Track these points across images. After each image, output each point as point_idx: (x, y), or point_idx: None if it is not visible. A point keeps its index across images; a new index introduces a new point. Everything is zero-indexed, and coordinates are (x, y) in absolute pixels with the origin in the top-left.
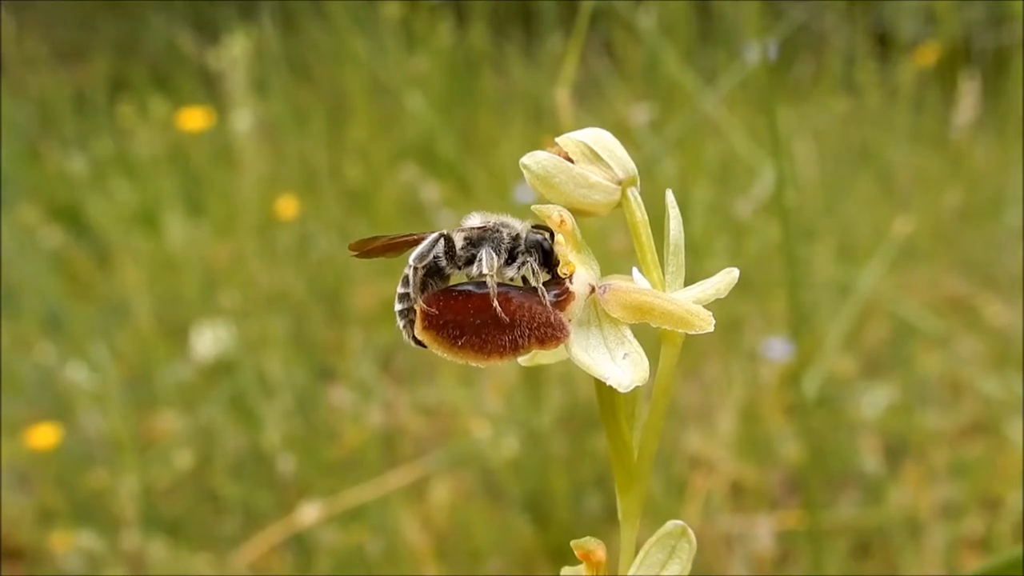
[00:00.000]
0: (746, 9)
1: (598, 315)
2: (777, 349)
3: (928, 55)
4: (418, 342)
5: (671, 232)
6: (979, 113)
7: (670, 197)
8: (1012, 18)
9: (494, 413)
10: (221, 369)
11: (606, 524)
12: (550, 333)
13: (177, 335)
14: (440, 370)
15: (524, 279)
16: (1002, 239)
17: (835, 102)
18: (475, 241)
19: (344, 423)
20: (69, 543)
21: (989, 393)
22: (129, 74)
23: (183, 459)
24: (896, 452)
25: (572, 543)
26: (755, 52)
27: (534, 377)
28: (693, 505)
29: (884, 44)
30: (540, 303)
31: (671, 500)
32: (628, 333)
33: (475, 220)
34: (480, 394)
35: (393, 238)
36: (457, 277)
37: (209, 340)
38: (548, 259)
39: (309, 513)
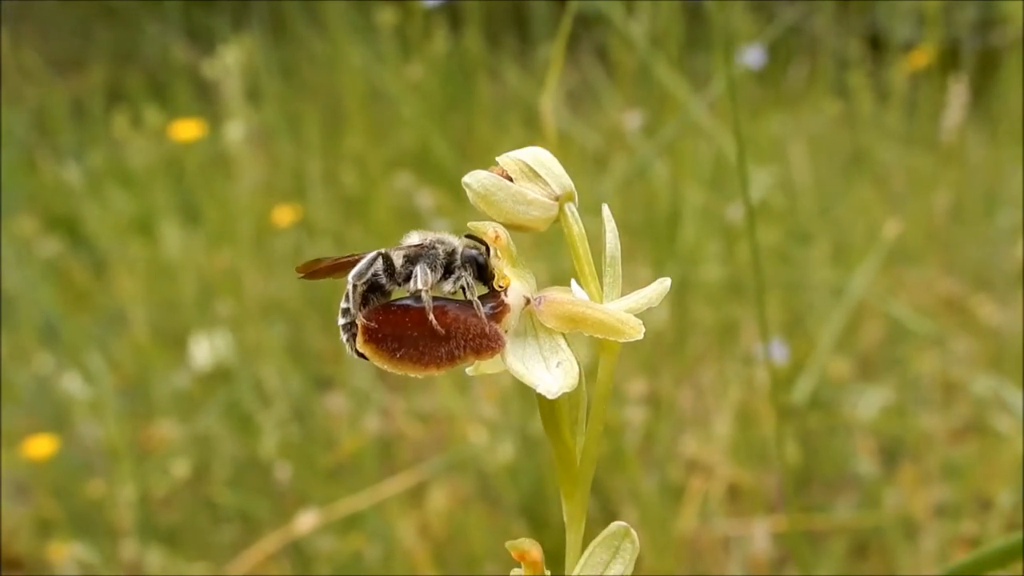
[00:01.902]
0: (738, 14)
1: (534, 326)
2: (772, 352)
3: (920, 57)
4: (360, 354)
5: (608, 244)
6: (969, 115)
7: (606, 211)
8: (1001, 20)
9: (490, 419)
10: (218, 378)
11: (601, 527)
12: (485, 344)
13: (174, 344)
14: (436, 378)
15: (461, 292)
16: (995, 240)
17: (828, 105)
18: (412, 258)
19: (341, 430)
20: (67, 552)
21: (981, 395)
22: (125, 84)
23: (180, 468)
24: (891, 453)
25: (507, 544)
26: (749, 56)
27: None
28: (690, 508)
29: (876, 47)
30: (475, 315)
31: (667, 504)
32: (562, 342)
33: (414, 238)
34: (476, 400)
35: (336, 259)
36: (398, 293)
37: (206, 349)
38: (483, 272)
39: (306, 521)
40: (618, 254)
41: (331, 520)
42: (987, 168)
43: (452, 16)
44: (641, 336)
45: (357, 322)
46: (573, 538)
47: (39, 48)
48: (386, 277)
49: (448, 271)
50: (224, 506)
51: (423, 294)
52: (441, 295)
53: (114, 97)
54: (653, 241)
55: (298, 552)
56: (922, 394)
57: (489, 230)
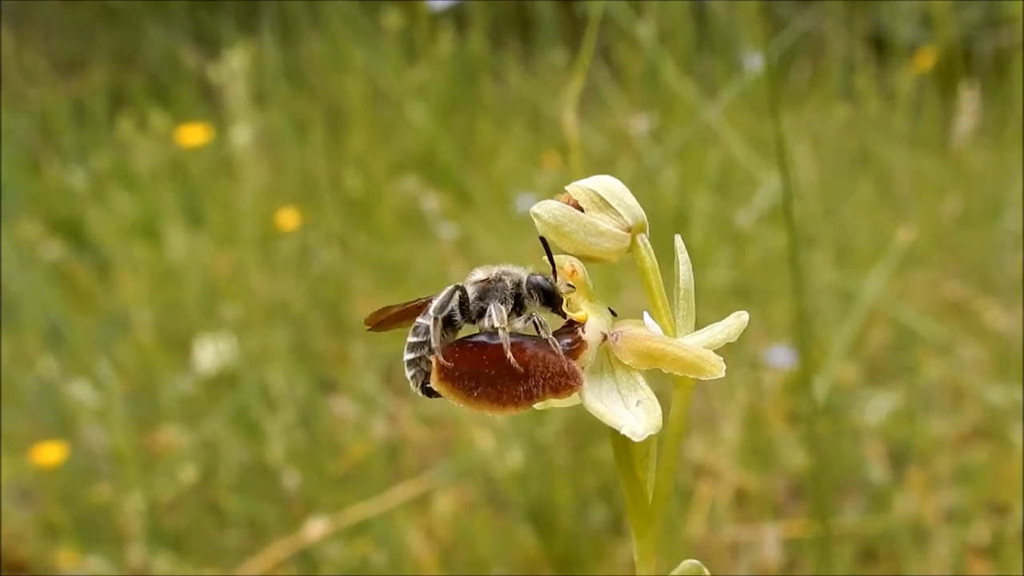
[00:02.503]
0: (744, 16)
1: (611, 362)
2: (779, 357)
3: (926, 59)
4: (427, 392)
5: (681, 277)
6: (979, 119)
7: (679, 242)
8: (1010, 20)
9: (498, 424)
10: (223, 382)
11: (610, 534)
12: (564, 382)
13: (179, 348)
14: None
15: (533, 328)
16: (1002, 244)
17: (834, 108)
18: (483, 294)
19: (347, 436)
20: (74, 559)
21: (992, 400)
22: (128, 86)
23: (187, 473)
24: (900, 459)
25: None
26: (755, 60)
27: None
28: (698, 514)
29: (881, 49)
30: (553, 352)
31: (676, 510)
32: (640, 380)
33: (479, 274)
34: None
35: (404, 305)
36: (466, 330)
37: (211, 353)
38: (551, 299)
39: (315, 528)
40: (692, 287)
41: (339, 527)
42: (993, 171)
43: (457, 19)
44: (723, 374)
45: (433, 360)
46: (644, 574)
47: (42, 50)
48: (459, 312)
49: (517, 302)
50: (231, 512)
51: (500, 332)
52: (514, 331)
53: (117, 100)
54: (660, 245)
55: (305, 558)
56: (931, 399)
57: (566, 264)
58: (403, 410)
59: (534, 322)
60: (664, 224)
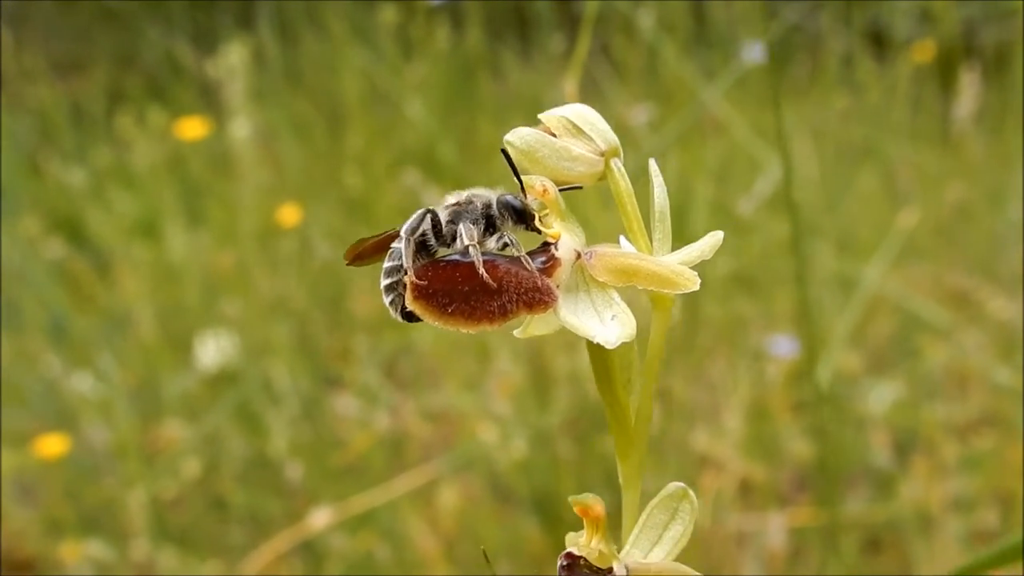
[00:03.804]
0: (740, 10)
1: (585, 280)
2: (782, 346)
3: (925, 52)
4: (406, 316)
5: (656, 199)
6: (979, 106)
7: (653, 166)
8: (1013, 13)
9: (501, 415)
10: (225, 378)
11: (615, 525)
12: (538, 298)
13: (180, 345)
14: (445, 374)
15: (506, 248)
16: (1003, 234)
17: (834, 99)
18: (455, 217)
19: (350, 429)
20: (78, 553)
21: (1001, 382)
22: (127, 85)
23: (190, 468)
24: (905, 447)
25: (570, 499)
26: (752, 51)
27: (541, 378)
28: (703, 504)
29: (879, 44)
30: (527, 269)
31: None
32: (615, 296)
33: (450, 199)
34: (486, 397)
35: (378, 237)
36: (442, 253)
37: (212, 349)
38: (522, 217)
39: (318, 519)
40: (667, 209)
41: (342, 519)
42: (994, 161)
43: (454, 14)
44: (697, 287)
45: (407, 280)
46: (630, 499)
47: (41, 50)
48: (433, 236)
49: (489, 223)
50: (235, 506)
51: (471, 249)
52: (486, 251)
53: (116, 99)
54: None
55: (309, 551)
56: (934, 387)
57: (536, 184)
58: (406, 404)
59: (506, 241)
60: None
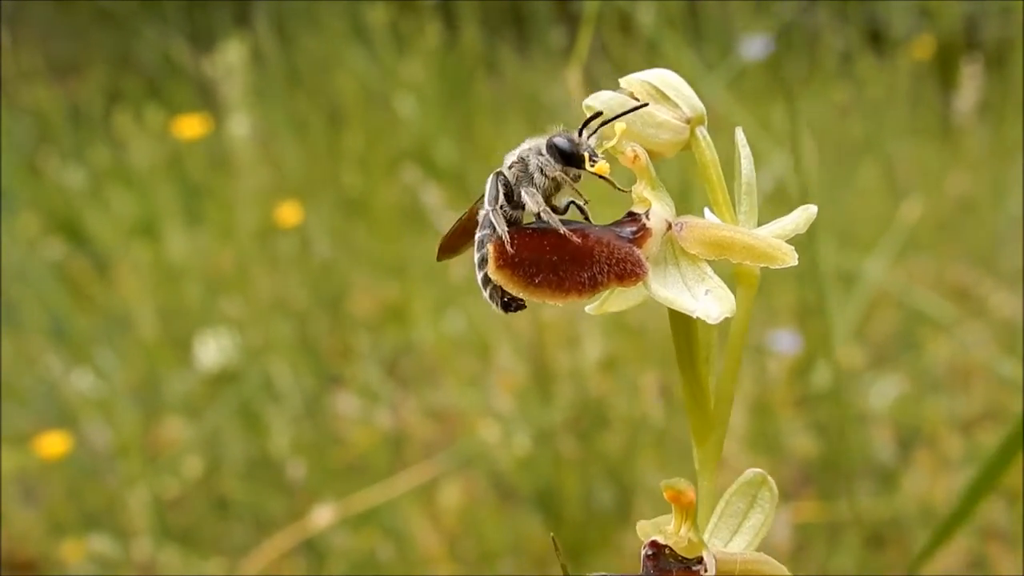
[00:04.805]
0: (737, 7)
1: (675, 252)
2: (785, 342)
3: (924, 48)
4: (506, 306)
5: (743, 171)
6: (980, 100)
7: (740, 136)
8: (1013, 9)
9: (503, 412)
10: (226, 377)
11: (618, 522)
12: (629, 269)
13: (181, 344)
14: (446, 372)
15: (570, 197)
16: (1004, 228)
17: (833, 94)
18: (519, 177)
19: (351, 428)
20: (80, 553)
21: (1003, 376)
22: (125, 85)
23: (192, 467)
24: (908, 442)
25: (662, 483)
26: (751, 47)
27: (543, 375)
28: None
29: (878, 40)
30: (619, 238)
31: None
32: (708, 269)
33: (511, 156)
34: (488, 395)
35: (460, 221)
36: (526, 220)
37: (213, 348)
38: (571, 159)
39: (320, 517)
40: (754, 181)
41: (344, 517)
42: (994, 155)
43: (446, 11)
44: (795, 261)
45: (491, 246)
46: (706, 485)
47: (38, 51)
48: (507, 203)
49: (548, 179)
50: (236, 504)
51: (544, 216)
52: (572, 221)
53: (114, 99)
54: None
55: (311, 549)
56: (937, 382)
57: (628, 150)
58: (408, 402)
59: (570, 199)
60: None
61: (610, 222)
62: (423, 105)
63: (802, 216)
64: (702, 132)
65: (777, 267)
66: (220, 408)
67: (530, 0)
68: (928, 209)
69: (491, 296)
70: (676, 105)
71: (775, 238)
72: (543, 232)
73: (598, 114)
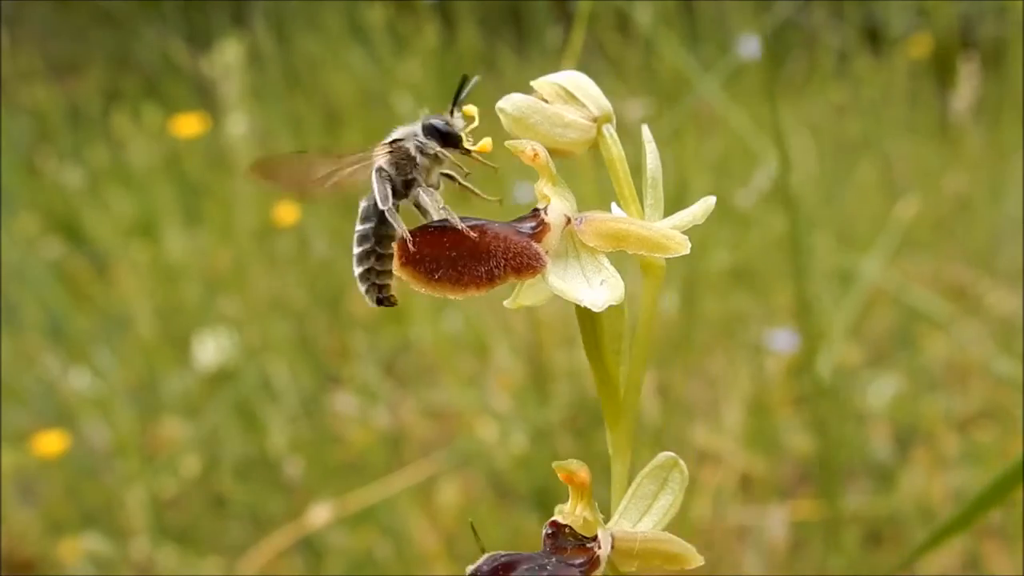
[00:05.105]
0: (733, 5)
1: (575, 246)
2: (782, 340)
3: (921, 47)
4: (380, 302)
5: (648, 166)
6: (977, 98)
7: (646, 132)
8: (1010, 7)
9: (500, 411)
10: (224, 376)
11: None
12: (526, 262)
13: (179, 343)
14: (444, 371)
15: (448, 177)
16: (1002, 227)
17: (830, 93)
18: (397, 163)
19: (349, 427)
20: (78, 552)
21: (1001, 374)
22: (123, 85)
23: (190, 466)
24: (905, 440)
25: (554, 464)
26: (748, 46)
27: (540, 374)
28: (703, 499)
29: (874, 39)
30: (516, 233)
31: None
32: (605, 261)
33: (382, 149)
34: (485, 393)
35: (292, 157)
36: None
37: (211, 348)
38: (448, 139)
39: (318, 516)
40: (659, 175)
41: (342, 515)
42: (992, 154)
43: (443, 11)
44: (687, 251)
45: (395, 246)
46: (619, 469)
47: (36, 51)
48: (392, 193)
49: (424, 153)
50: (234, 503)
51: (443, 212)
52: (469, 218)
53: (112, 99)
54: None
55: (309, 548)
56: (934, 380)
57: (527, 148)
58: (405, 401)
59: (446, 171)
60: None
61: (512, 219)
62: (421, 104)
63: (700, 207)
64: (609, 130)
65: (671, 256)
66: (218, 407)
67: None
68: (925, 208)
69: (367, 291)
70: (584, 105)
71: (671, 228)
72: (443, 230)
73: (461, 91)
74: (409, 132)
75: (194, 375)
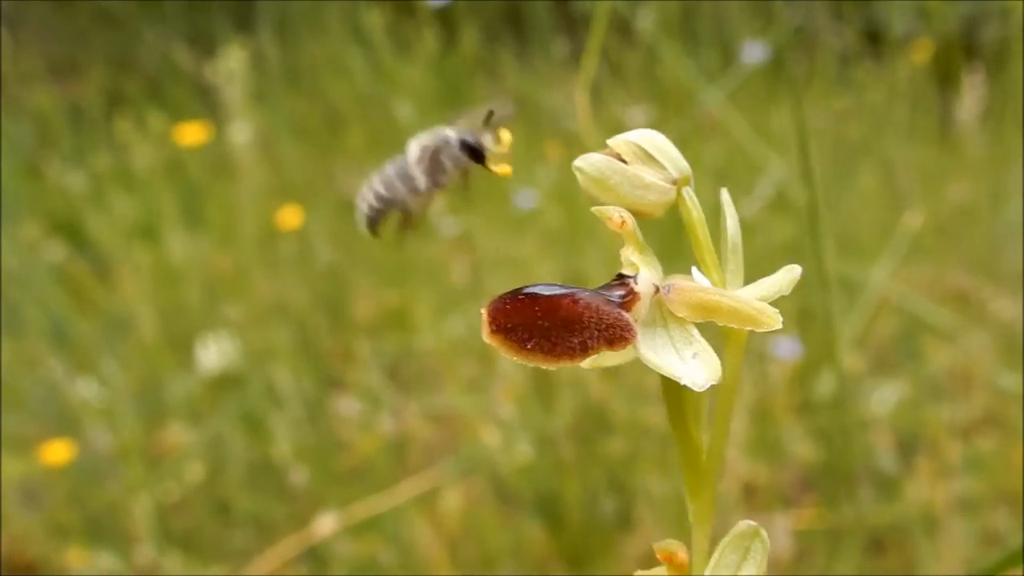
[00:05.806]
0: (735, 10)
1: (663, 315)
2: (785, 348)
3: (922, 51)
4: (371, 229)
5: (729, 231)
6: (980, 105)
7: (725, 196)
8: (1013, 10)
9: (505, 418)
10: (227, 382)
11: (619, 528)
12: (618, 334)
13: (182, 348)
14: (448, 377)
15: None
16: (1004, 233)
17: (832, 100)
18: (427, 169)
19: (353, 432)
20: (82, 559)
21: (1004, 387)
22: (125, 88)
23: (194, 472)
24: (909, 448)
25: (654, 545)
26: (752, 51)
27: (545, 382)
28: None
29: (876, 42)
30: (607, 303)
31: (683, 504)
32: (695, 332)
33: (414, 147)
34: (490, 400)
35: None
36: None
37: (214, 352)
38: (476, 155)
39: (324, 524)
40: (739, 241)
41: (347, 523)
42: (994, 160)
43: (443, 16)
44: (779, 325)
45: (484, 313)
46: (700, 538)
47: (38, 53)
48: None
49: (456, 167)
50: (239, 510)
51: (548, 288)
52: (567, 286)
53: (115, 102)
54: (659, 236)
55: (314, 555)
56: (938, 387)
57: (615, 215)
58: (409, 407)
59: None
60: (664, 216)
61: (599, 286)
62: (422, 109)
63: (786, 277)
64: (688, 193)
65: (762, 330)
66: (222, 412)
67: (530, 0)
68: (928, 214)
69: (362, 218)
70: (663, 166)
71: (760, 301)
72: (535, 297)
73: (492, 117)
74: (440, 141)
75: (197, 379)
